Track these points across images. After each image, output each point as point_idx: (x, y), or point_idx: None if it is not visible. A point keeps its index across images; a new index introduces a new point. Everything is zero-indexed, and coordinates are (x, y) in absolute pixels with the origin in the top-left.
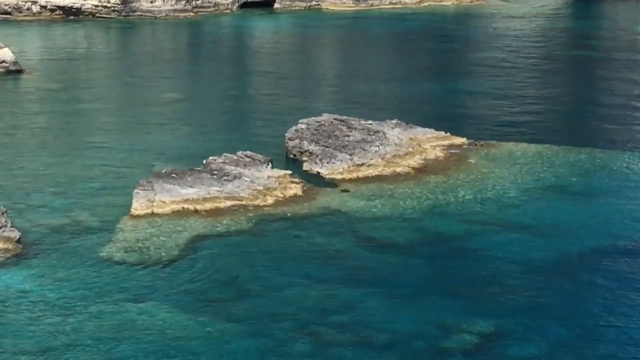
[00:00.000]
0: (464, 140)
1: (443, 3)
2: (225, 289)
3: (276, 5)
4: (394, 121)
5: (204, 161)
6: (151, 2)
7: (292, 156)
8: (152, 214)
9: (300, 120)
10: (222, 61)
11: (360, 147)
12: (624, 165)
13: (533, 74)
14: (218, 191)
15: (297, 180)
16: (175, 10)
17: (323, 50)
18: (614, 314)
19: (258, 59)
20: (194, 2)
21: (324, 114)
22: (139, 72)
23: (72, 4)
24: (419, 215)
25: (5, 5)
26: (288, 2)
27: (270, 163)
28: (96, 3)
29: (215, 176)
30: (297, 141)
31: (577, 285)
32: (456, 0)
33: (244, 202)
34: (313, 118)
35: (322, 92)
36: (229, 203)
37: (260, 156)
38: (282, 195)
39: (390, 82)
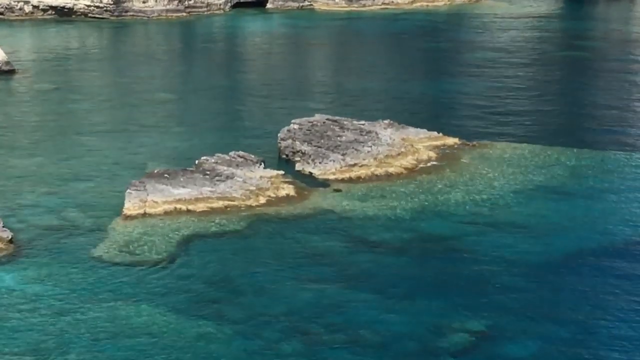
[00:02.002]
0: (456, 140)
1: (435, 3)
2: (218, 288)
3: (269, 6)
4: (387, 121)
5: (196, 161)
6: (143, 2)
7: (284, 156)
8: (145, 214)
9: (292, 121)
10: (215, 61)
11: (353, 148)
12: (617, 165)
13: (525, 75)
14: (210, 191)
15: (289, 180)
16: (167, 11)
17: (315, 51)
18: (606, 313)
19: (250, 59)
20: (186, 2)
21: (316, 114)
22: (131, 72)
23: (64, 4)
24: (411, 215)
25: None
26: (280, 2)
27: (262, 163)
28: (88, 3)
29: (207, 176)
30: (289, 141)
31: (570, 284)
32: (448, 0)
33: (236, 203)
34: (305, 118)
35: (315, 92)
36: (221, 203)
37: (253, 156)
38: (274, 196)
39: (383, 82)
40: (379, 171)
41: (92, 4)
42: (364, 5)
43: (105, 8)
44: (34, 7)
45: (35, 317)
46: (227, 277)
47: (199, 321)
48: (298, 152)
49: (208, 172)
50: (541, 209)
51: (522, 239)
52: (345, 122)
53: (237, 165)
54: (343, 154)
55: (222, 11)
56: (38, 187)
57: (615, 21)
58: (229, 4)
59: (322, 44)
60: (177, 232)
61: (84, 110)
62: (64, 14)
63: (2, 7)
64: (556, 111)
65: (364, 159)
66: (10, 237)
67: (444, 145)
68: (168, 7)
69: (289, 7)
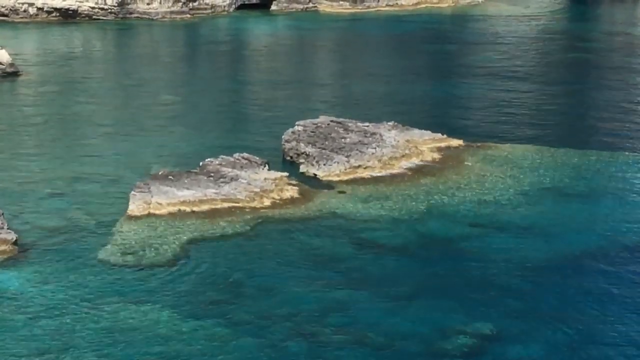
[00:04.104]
0: (460, 142)
1: (440, 5)
2: (222, 290)
3: (273, 7)
4: (391, 123)
5: (201, 163)
6: (148, 4)
7: (288, 158)
8: (149, 216)
9: (296, 122)
10: (219, 63)
11: (357, 149)
12: (621, 166)
13: (530, 76)
14: (215, 193)
15: (293, 182)
16: (172, 12)
17: (320, 52)
18: (612, 316)
19: (255, 61)
20: (190, 4)
21: (320, 116)
22: (136, 74)
23: (68, 6)
24: (416, 217)
25: (2, 7)
26: (285, 4)
27: (267, 165)
28: (93, 5)
29: (212, 178)
30: (293, 143)
31: (575, 287)
32: (453, 2)
33: (240, 204)
34: (310, 120)
35: (319, 94)
36: (225, 205)
37: (257, 158)
38: (278, 197)
39: (387, 84)
40: (383, 173)
41: (96, 6)
42: (368, 7)
43: (109, 10)
44: (39, 9)
45: (39, 319)
46: (232, 279)
47: (203, 322)
48: (302, 153)
49: (212, 174)
50: (546, 211)
51: (527, 241)
52: (349, 124)
53: (242, 167)
54: (347, 156)
55: (226, 13)
56: (42, 189)
57: (620, 22)
58: (234, 6)
59: (326, 45)
60: (181, 234)
61: (88, 112)
62: (68, 16)
63: (6, 9)
64: (561, 112)
65: (368, 161)
66: (14, 238)
67: (448, 146)
68: (172, 8)
69: (293, 9)
